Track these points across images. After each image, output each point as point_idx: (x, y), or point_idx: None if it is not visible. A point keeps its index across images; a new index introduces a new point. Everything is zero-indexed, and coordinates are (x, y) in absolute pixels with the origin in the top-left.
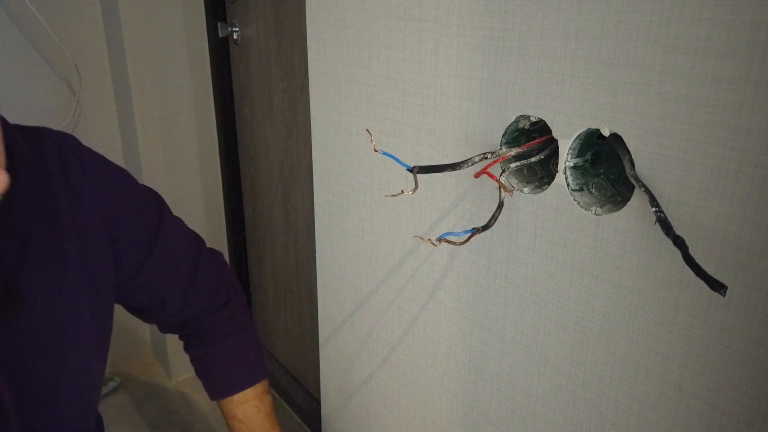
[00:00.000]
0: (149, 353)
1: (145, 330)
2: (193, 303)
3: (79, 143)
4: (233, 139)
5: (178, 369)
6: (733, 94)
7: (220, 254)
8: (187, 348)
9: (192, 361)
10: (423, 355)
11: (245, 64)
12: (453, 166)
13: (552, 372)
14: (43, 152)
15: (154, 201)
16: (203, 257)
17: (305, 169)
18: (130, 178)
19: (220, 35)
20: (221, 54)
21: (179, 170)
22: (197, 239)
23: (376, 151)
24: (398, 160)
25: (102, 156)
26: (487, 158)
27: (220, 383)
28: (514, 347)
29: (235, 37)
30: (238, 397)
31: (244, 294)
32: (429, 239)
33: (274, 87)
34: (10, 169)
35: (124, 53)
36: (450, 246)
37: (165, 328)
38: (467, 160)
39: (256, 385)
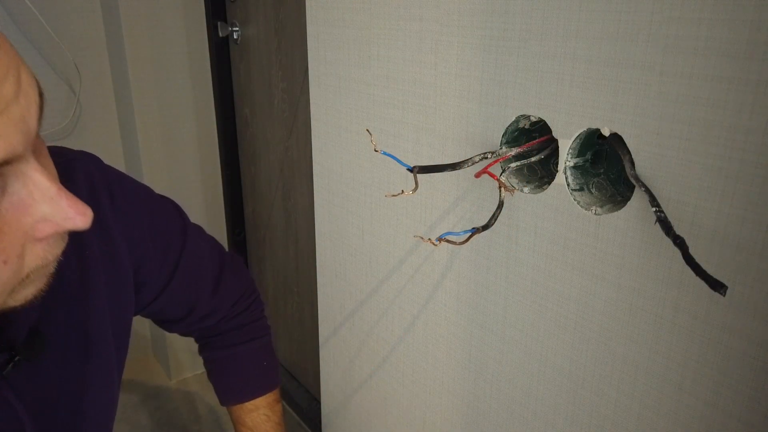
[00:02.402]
0: (149, 353)
1: (145, 330)
2: (217, 310)
3: (103, 166)
4: (233, 139)
5: (178, 369)
6: (733, 94)
7: (240, 259)
8: (202, 350)
9: (205, 363)
10: (423, 355)
11: (245, 64)
12: (453, 166)
13: (552, 372)
14: (72, 177)
15: (176, 217)
16: (225, 265)
17: (305, 169)
18: (152, 196)
19: (220, 35)
20: (221, 54)
21: (179, 170)
22: (218, 247)
23: (376, 151)
24: (398, 160)
25: (124, 175)
26: (487, 158)
27: (232, 389)
28: (514, 347)
29: (235, 36)
30: (249, 404)
31: (263, 301)
32: (429, 239)
33: (274, 87)
34: None
35: (124, 53)
36: (450, 246)
37: (185, 334)
38: (467, 160)
39: (268, 394)
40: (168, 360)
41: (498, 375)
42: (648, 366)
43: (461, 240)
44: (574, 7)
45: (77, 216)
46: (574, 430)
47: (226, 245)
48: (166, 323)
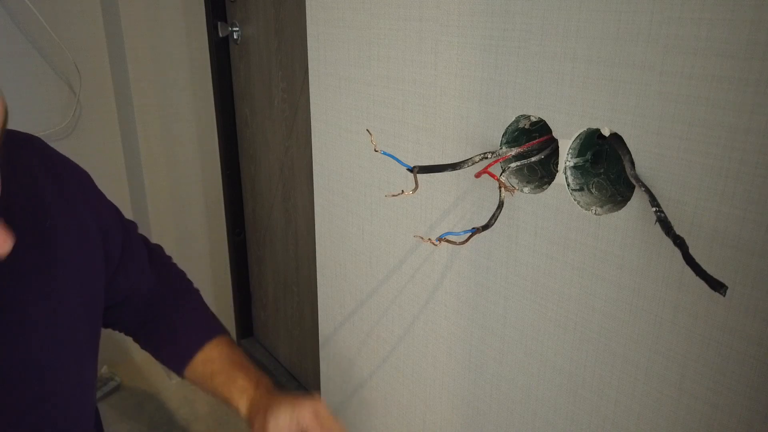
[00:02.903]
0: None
1: None
2: (159, 277)
3: (49, 146)
4: (233, 139)
5: None
6: (733, 94)
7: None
8: (146, 331)
9: (152, 341)
10: (423, 354)
11: (245, 64)
12: (453, 166)
13: (552, 372)
14: (22, 156)
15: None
16: (146, 239)
17: (305, 169)
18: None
19: (220, 35)
20: (221, 54)
21: (179, 170)
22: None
23: (376, 151)
24: (398, 160)
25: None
26: (487, 158)
27: (192, 337)
28: (514, 347)
29: (235, 36)
30: (211, 343)
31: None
32: (429, 239)
33: (274, 87)
34: None
35: (124, 53)
36: (450, 246)
37: (125, 323)
38: (467, 159)
39: (225, 335)
40: None
41: (498, 375)
42: (648, 366)
43: (461, 240)
44: (574, 7)
45: None
46: (574, 430)
47: (225, 245)
48: (118, 310)
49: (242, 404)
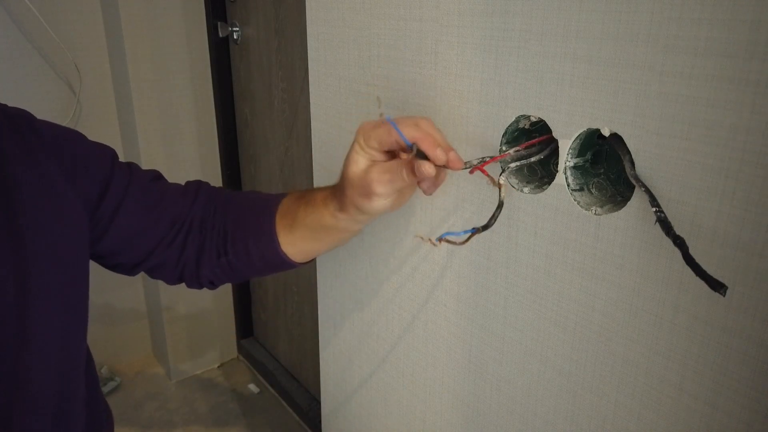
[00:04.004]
0: (149, 353)
1: (145, 330)
2: (192, 195)
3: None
4: (233, 139)
5: (178, 369)
6: (733, 94)
7: None
8: (222, 256)
9: (238, 251)
10: (423, 354)
11: (245, 64)
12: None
13: (552, 372)
14: None
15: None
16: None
17: (305, 169)
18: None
19: (220, 35)
20: (221, 54)
21: (179, 170)
22: None
23: (381, 115)
24: (400, 133)
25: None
26: (485, 160)
27: (263, 222)
28: (514, 347)
29: (235, 36)
30: (281, 205)
31: None
32: (429, 239)
33: (274, 87)
34: None
35: (124, 53)
36: (450, 246)
37: (199, 250)
38: (466, 162)
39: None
40: (168, 360)
41: (498, 375)
42: (648, 366)
43: (461, 240)
44: (574, 7)
45: None
46: (574, 430)
47: None
48: (165, 246)
49: (326, 195)
